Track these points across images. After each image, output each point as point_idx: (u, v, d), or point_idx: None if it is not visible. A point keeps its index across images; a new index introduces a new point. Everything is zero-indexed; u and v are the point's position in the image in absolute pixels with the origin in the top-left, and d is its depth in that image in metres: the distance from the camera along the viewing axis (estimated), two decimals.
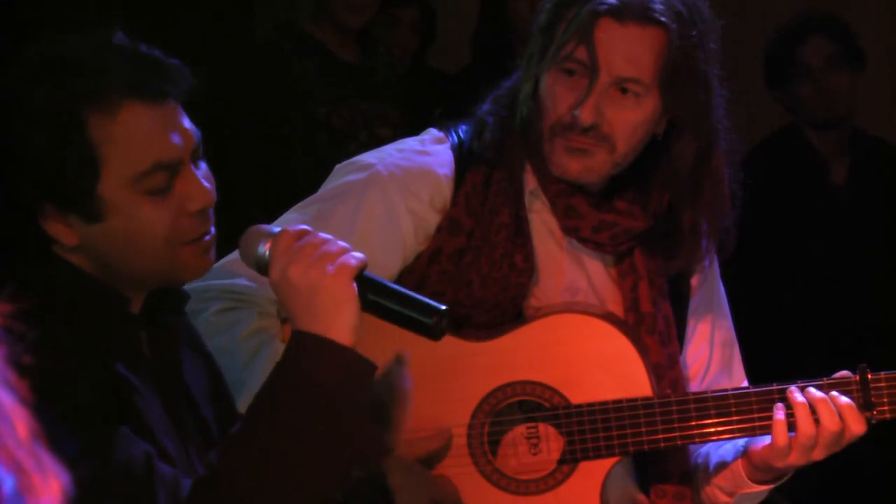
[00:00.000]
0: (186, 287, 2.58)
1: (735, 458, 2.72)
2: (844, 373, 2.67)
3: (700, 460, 2.82)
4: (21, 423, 1.12)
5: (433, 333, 2.16)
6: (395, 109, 4.84)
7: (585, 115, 2.61)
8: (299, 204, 2.77)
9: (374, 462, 2.16)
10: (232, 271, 2.65)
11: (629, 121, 2.64)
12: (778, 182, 4.86)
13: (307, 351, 2.09)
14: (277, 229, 2.18)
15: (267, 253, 2.16)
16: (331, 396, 2.07)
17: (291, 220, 2.70)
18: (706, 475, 2.79)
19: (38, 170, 2.05)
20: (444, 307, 2.16)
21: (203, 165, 2.17)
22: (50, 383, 1.95)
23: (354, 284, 2.11)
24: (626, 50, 2.61)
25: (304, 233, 2.15)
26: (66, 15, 4.75)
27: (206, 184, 2.14)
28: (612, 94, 2.63)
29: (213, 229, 2.17)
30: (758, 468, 2.70)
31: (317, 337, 2.09)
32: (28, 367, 1.15)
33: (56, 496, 1.12)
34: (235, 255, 2.66)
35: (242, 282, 2.66)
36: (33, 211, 2.07)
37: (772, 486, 2.75)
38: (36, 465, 1.12)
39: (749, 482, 2.72)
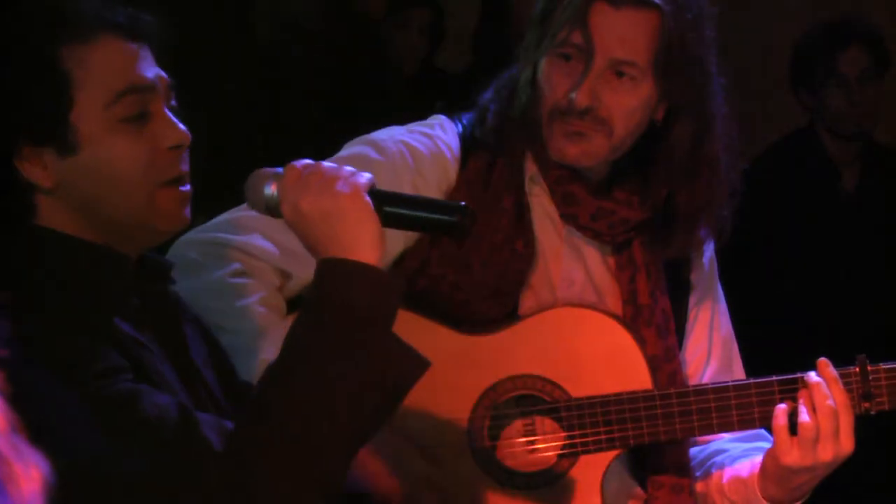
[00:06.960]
0: (192, 235, 2.59)
1: (750, 473, 2.71)
2: None
3: (714, 469, 2.81)
4: (0, 414, 1.13)
5: (457, 232, 2.17)
6: (398, 110, 4.85)
7: (581, 98, 2.64)
8: None
9: (410, 381, 2.12)
10: (247, 226, 2.66)
11: (625, 104, 2.67)
12: (788, 183, 4.85)
13: (333, 275, 2.08)
14: (281, 170, 2.17)
15: (275, 193, 2.15)
16: (362, 315, 2.06)
17: None
18: (719, 487, 2.78)
19: (11, 102, 2.08)
20: (464, 203, 2.16)
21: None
22: (57, 357, 1.97)
23: (369, 199, 2.11)
24: (621, 33, 2.65)
25: (308, 165, 2.15)
26: None
27: (180, 124, 2.15)
28: (608, 78, 2.66)
29: (188, 185, 2.17)
30: (769, 477, 2.66)
31: (341, 260, 2.08)
32: (24, 351, 1.15)
33: (37, 484, 1.13)
34: (246, 210, 2.66)
35: (259, 241, 2.66)
36: (9, 153, 2.08)
37: None
38: (16, 455, 1.13)
39: (761, 498, 2.69)
